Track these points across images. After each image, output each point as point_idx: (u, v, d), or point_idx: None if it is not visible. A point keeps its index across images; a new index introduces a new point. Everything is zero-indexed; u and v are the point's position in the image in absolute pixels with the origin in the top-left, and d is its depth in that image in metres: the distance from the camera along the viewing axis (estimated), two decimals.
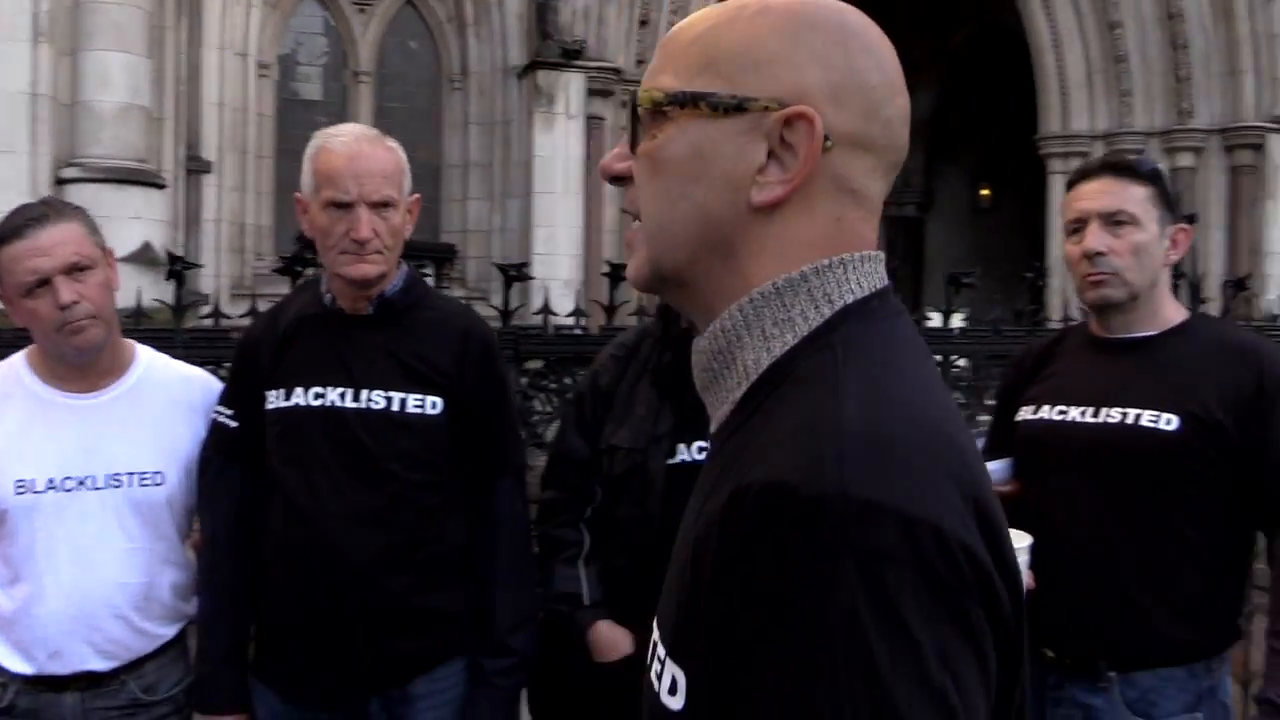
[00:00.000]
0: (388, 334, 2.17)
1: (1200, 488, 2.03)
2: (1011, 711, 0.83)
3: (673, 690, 0.84)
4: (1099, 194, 2.12)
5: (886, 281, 0.93)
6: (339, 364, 2.14)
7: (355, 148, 2.12)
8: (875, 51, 0.92)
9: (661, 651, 0.88)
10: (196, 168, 9.98)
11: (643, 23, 11.48)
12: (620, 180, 0.98)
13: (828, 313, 0.88)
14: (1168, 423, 2.03)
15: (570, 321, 3.46)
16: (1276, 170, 13.18)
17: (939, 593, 0.73)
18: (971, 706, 0.73)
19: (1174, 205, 2.16)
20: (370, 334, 2.17)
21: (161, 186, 9.00)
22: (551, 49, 10.77)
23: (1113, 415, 2.08)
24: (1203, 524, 2.04)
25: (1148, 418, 2.05)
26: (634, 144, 0.95)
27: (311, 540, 2.11)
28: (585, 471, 2.28)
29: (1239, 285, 5.77)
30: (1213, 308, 5.52)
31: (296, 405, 2.14)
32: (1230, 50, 12.97)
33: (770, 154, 0.88)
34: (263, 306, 3.03)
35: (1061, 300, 11.39)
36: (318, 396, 2.13)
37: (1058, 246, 13.27)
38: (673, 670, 0.84)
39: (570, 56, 10.78)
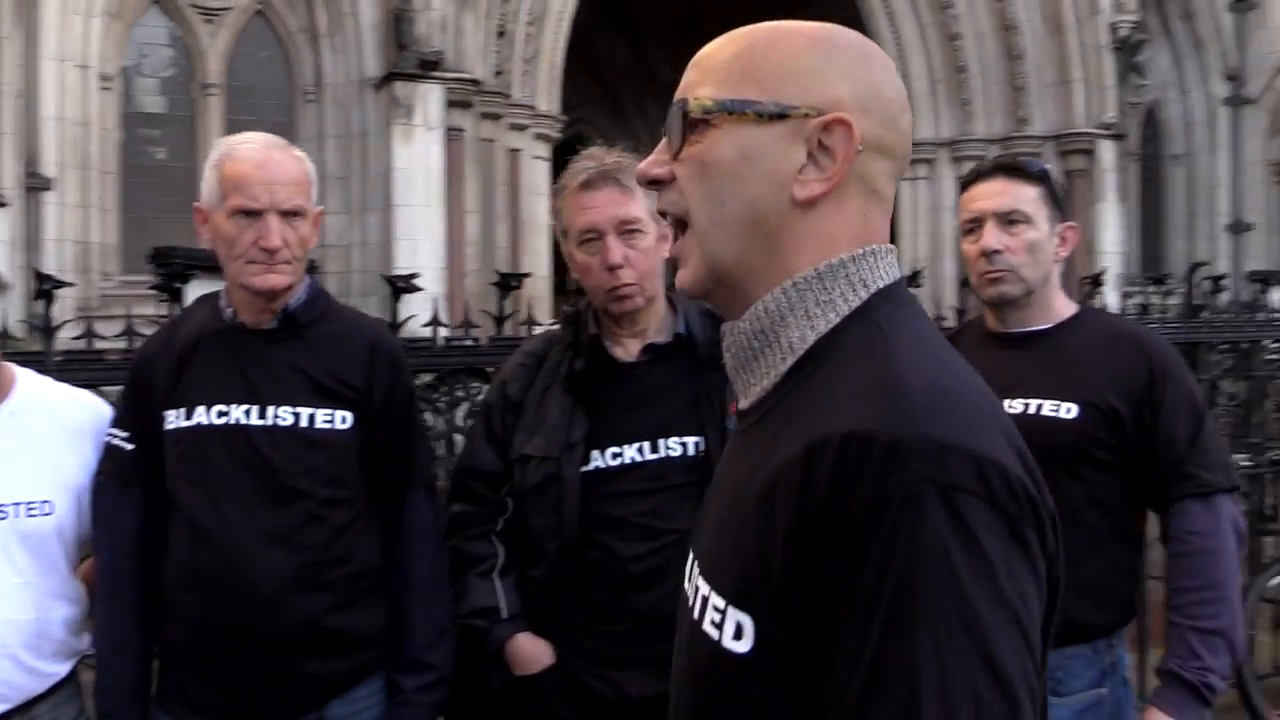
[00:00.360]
0: (293, 348, 2.10)
1: (1099, 472, 2.13)
2: (1048, 635, 0.93)
3: (738, 635, 0.94)
4: (994, 194, 2.21)
5: (900, 272, 1.05)
6: (243, 380, 2.07)
7: (265, 154, 2.07)
8: (889, 70, 1.05)
9: (719, 602, 0.97)
10: (36, 185, 9.50)
11: (500, 33, 11.42)
12: (657, 184, 1.08)
13: (864, 295, 1.00)
14: (1068, 411, 2.13)
15: (460, 333, 3.41)
16: (1106, 174, 13.93)
17: (1005, 520, 0.85)
18: (1032, 618, 0.86)
19: (1061, 204, 2.26)
20: (275, 349, 2.10)
21: (3, 204, 8.54)
22: (409, 60, 10.61)
23: (1015, 406, 2.17)
24: (1102, 507, 2.14)
25: (1049, 407, 2.15)
26: (675, 151, 1.05)
27: (219, 564, 2.02)
28: (495, 483, 2.24)
29: (1095, 281, 6.09)
30: None
31: (199, 424, 2.06)
32: (1061, 61, 13.67)
33: (809, 156, 1.00)
34: (115, 328, 2.95)
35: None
36: (221, 415, 2.05)
37: (912, 248, 13.77)
38: (737, 617, 0.94)
39: (428, 68, 10.64)
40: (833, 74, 1.02)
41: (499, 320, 3.38)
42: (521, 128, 11.68)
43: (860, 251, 1.02)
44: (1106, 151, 13.83)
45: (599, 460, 2.15)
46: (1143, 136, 15.42)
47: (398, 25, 10.64)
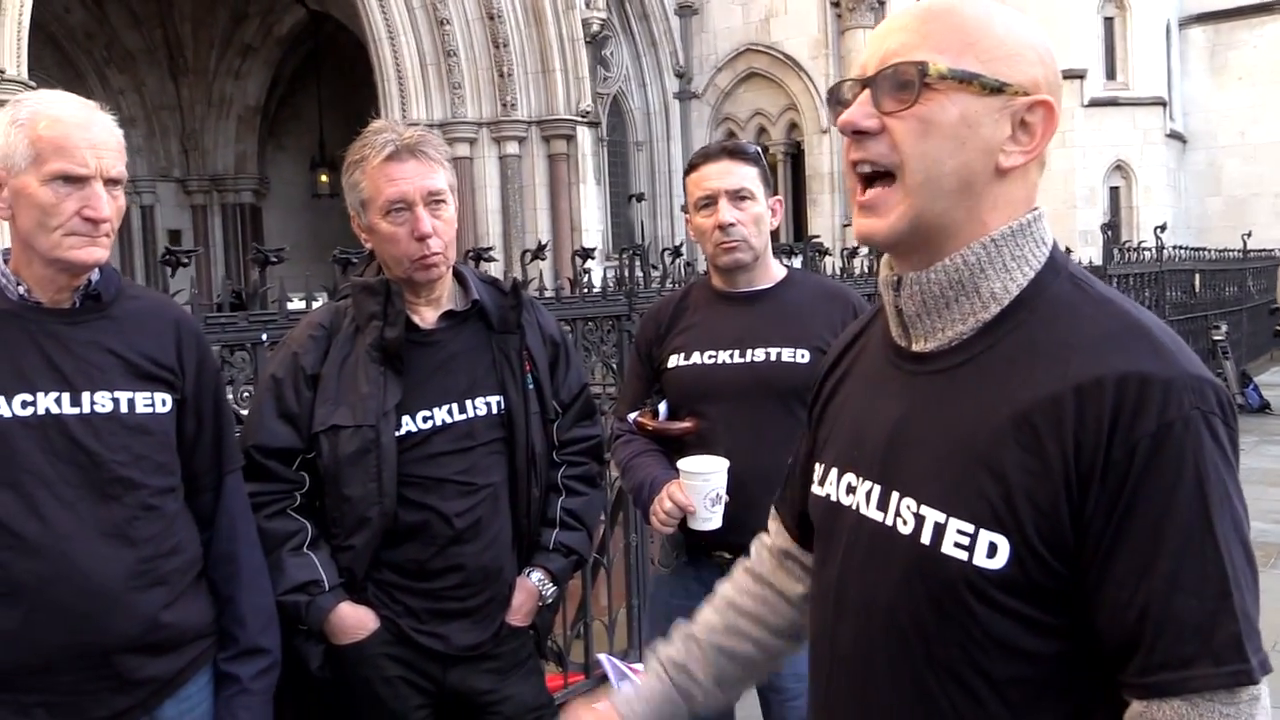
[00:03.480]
0: (100, 328, 1.91)
1: None
2: None
3: (991, 554, 1.06)
4: (724, 174, 2.51)
5: None
6: (48, 366, 1.85)
7: (86, 115, 1.85)
8: (1055, 52, 1.18)
9: (965, 526, 1.08)
10: None
11: None
12: (861, 134, 1.15)
13: (1046, 251, 1.16)
14: (801, 356, 2.49)
15: None
16: (586, 158, 15.12)
17: (1232, 434, 1.05)
18: None
19: (769, 182, 2.62)
20: (79, 329, 1.89)
21: None
22: None
23: (758, 355, 2.51)
24: None
25: (786, 354, 2.50)
26: (895, 108, 1.13)
27: (44, 571, 1.80)
28: (289, 458, 2.20)
29: (585, 255, 6.73)
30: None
31: (0, 417, 1.81)
32: (543, 51, 14.60)
33: (1012, 130, 1.13)
34: None
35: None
36: (26, 405, 1.82)
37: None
38: (990, 538, 1.06)
39: None
40: (1033, 57, 1.14)
41: None
42: None
43: (1036, 213, 1.17)
44: (585, 137, 15.01)
45: (410, 424, 2.19)
46: (610, 124, 16.80)
47: None
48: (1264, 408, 11.62)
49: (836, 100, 1.20)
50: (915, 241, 1.16)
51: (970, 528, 1.07)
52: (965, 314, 1.15)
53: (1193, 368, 1.05)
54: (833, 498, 1.27)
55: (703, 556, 2.52)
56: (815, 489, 1.33)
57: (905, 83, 1.12)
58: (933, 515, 1.10)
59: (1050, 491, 1.03)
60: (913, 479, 1.14)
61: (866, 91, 1.15)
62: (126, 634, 1.86)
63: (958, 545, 1.08)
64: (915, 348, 1.19)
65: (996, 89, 1.11)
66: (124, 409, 1.89)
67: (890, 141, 1.13)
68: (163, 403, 1.94)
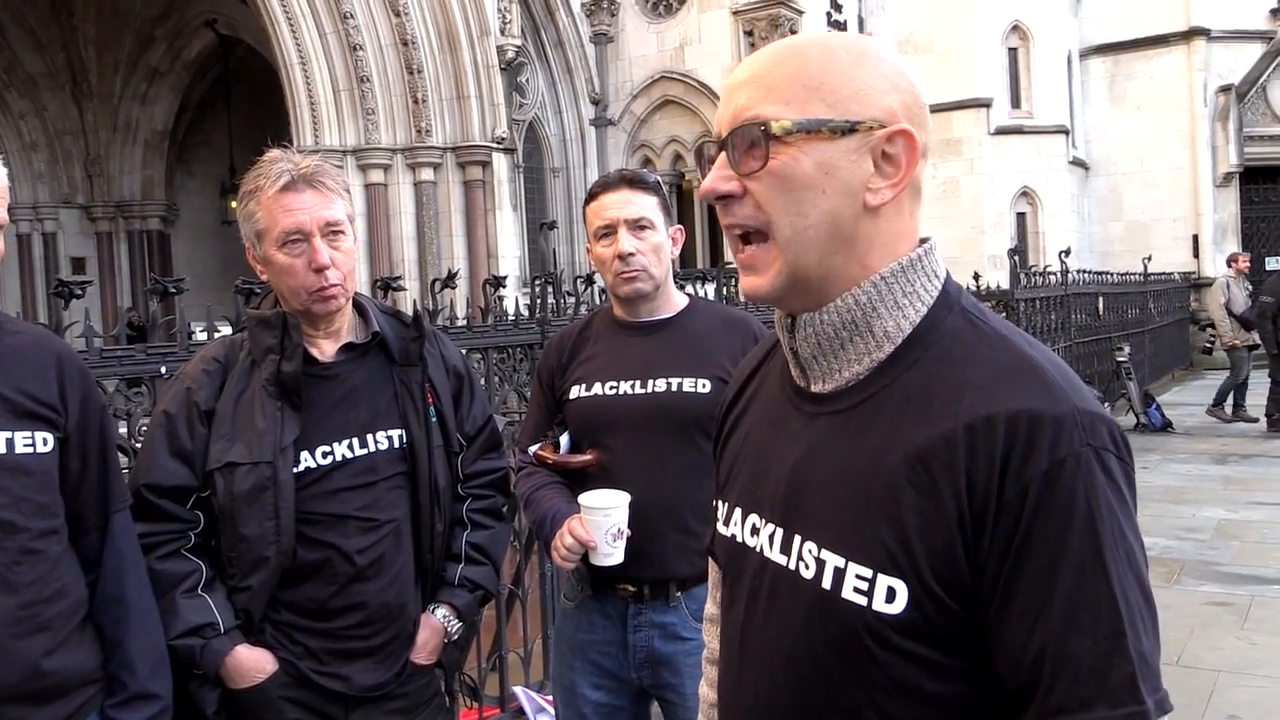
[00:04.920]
0: None
1: None
2: None
3: (890, 599, 1.04)
4: (624, 203, 2.49)
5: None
6: None
7: None
8: (912, 74, 1.15)
9: (863, 570, 1.06)
10: None
11: None
12: (725, 199, 1.14)
13: (938, 285, 1.15)
14: (702, 386, 2.47)
15: None
16: (501, 184, 15.07)
17: (1126, 468, 1.05)
18: None
19: (670, 210, 2.60)
20: None
21: None
22: None
23: (659, 385, 2.49)
24: None
25: (687, 384, 2.48)
26: (752, 168, 1.11)
27: None
28: (183, 497, 2.13)
29: (498, 284, 6.66)
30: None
31: None
32: (458, 77, 14.55)
33: (875, 166, 1.11)
34: None
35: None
36: None
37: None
38: (889, 582, 1.04)
39: None
40: (885, 87, 1.11)
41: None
42: None
43: (926, 246, 1.15)
44: (500, 163, 14.97)
45: (309, 460, 2.14)
46: (526, 151, 16.80)
47: None
48: (1166, 426, 11.96)
49: (705, 160, 1.18)
50: (799, 291, 1.15)
51: (869, 572, 1.06)
52: (860, 354, 1.14)
53: (1084, 403, 1.04)
54: (738, 538, 1.26)
55: (607, 590, 2.50)
56: (720, 528, 1.31)
57: (754, 142, 1.11)
58: (833, 560, 1.09)
59: (945, 534, 1.03)
60: (813, 522, 1.13)
61: (723, 154, 1.14)
62: (6, 682, 1.80)
63: (857, 590, 1.07)
64: (814, 388, 1.18)
65: (848, 129, 1.10)
66: (2, 449, 1.82)
67: (754, 203, 1.13)
68: (44, 441, 1.88)
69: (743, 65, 1.17)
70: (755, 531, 1.22)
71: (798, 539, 1.14)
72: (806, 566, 1.12)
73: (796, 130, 1.09)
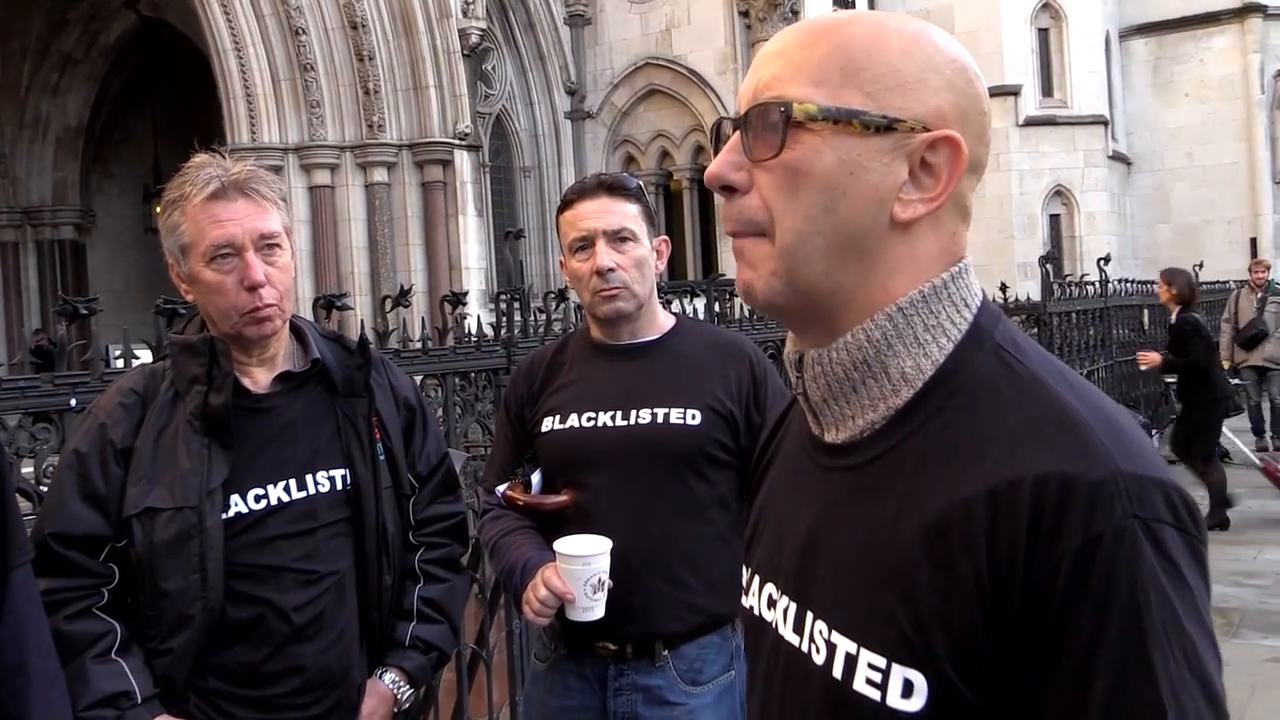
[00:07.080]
0: None
1: (720, 471, 2.51)
2: None
3: (907, 694, 0.98)
4: (601, 213, 2.49)
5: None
6: None
7: None
8: (981, 78, 1.09)
9: (877, 659, 1.01)
10: None
11: None
12: (728, 190, 1.09)
13: (969, 316, 1.07)
14: (692, 418, 2.47)
15: None
16: (465, 186, 15.12)
17: (1192, 544, 0.96)
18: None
19: (653, 218, 2.61)
20: None
21: None
22: None
23: (643, 416, 2.48)
24: (724, 505, 2.52)
25: (675, 415, 2.48)
26: (765, 155, 1.06)
27: None
28: (94, 548, 2.10)
29: (456, 301, 6.70)
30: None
31: None
32: (414, 65, 14.61)
33: (910, 174, 1.04)
34: None
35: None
36: None
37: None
38: (905, 674, 0.98)
39: None
40: (938, 84, 1.05)
41: None
42: None
43: (957, 269, 1.08)
44: (464, 162, 15.03)
45: (240, 505, 2.12)
46: (493, 148, 16.82)
47: None
48: (1224, 456, 12.00)
49: (721, 139, 1.13)
50: (800, 308, 1.10)
51: (882, 661, 1.00)
52: (875, 399, 1.08)
53: (1132, 465, 0.95)
54: (756, 611, 1.22)
55: (584, 649, 2.49)
56: (743, 598, 1.28)
57: (771, 125, 1.05)
58: (844, 645, 1.04)
59: (965, 618, 0.96)
60: (825, 599, 1.08)
61: (737, 135, 1.09)
62: None
63: (869, 682, 1.01)
64: (828, 437, 1.13)
65: (884, 127, 1.04)
66: None
67: (761, 196, 1.07)
68: None
69: (777, 35, 1.12)
70: (772, 604, 1.19)
71: (810, 616, 1.10)
72: (818, 650, 1.07)
73: (822, 117, 1.03)
